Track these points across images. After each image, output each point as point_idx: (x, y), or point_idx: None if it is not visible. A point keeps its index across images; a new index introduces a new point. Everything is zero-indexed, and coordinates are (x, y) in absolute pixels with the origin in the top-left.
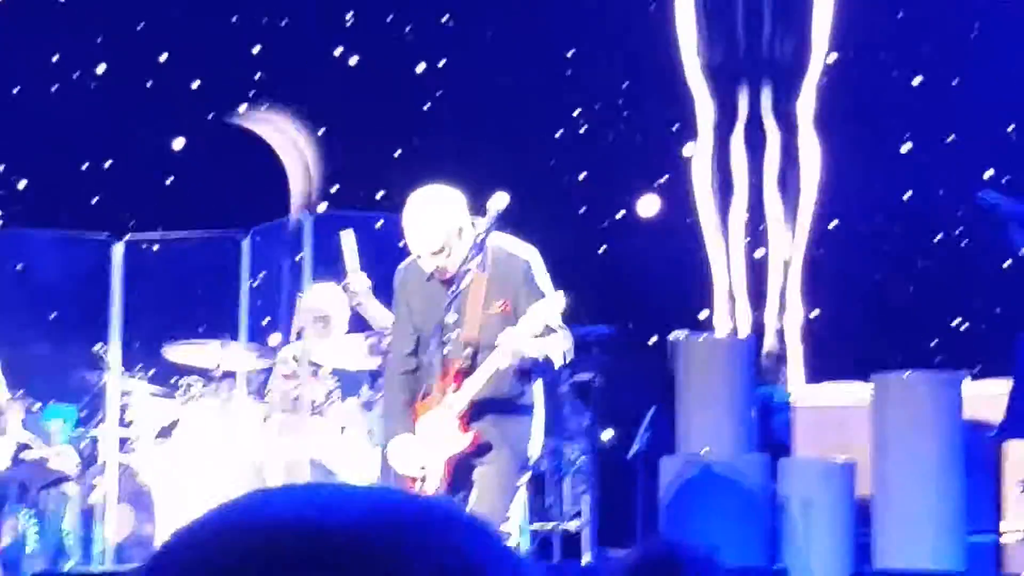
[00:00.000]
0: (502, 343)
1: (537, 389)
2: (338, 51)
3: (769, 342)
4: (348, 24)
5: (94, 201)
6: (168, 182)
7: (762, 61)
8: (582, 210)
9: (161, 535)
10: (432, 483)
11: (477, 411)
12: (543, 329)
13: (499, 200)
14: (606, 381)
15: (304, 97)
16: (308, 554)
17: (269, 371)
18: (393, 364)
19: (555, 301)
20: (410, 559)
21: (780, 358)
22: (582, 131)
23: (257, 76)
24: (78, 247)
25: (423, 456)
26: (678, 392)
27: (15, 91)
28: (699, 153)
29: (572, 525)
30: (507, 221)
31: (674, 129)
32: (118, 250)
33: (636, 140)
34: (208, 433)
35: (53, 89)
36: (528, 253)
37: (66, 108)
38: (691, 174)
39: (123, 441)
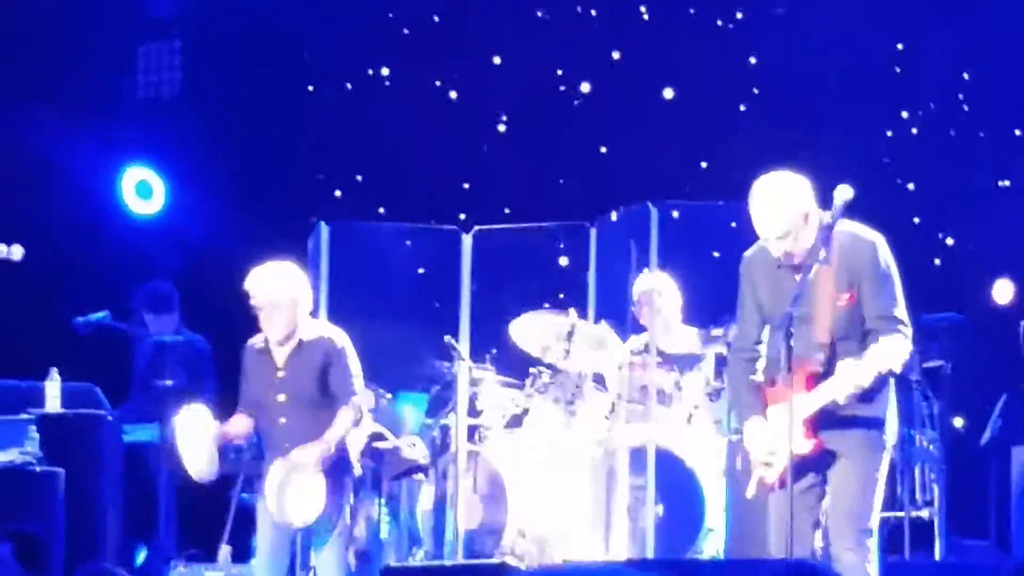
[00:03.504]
0: (841, 375)
1: (888, 396)
2: None
3: None
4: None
5: (443, 193)
6: (512, 173)
7: None
8: (916, 220)
9: (512, 523)
10: (774, 473)
11: (824, 419)
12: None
13: (844, 191)
14: (957, 368)
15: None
16: None
17: None
18: (738, 351)
19: (899, 346)
20: None
21: None
22: (914, 131)
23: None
24: (428, 239)
25: (773, 443)
26: None
27: (348, 87)
28: None
29: (923, 513)
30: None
31: (1017, 133)
32: (467, 241)
33: (978, 137)
34: (556, 422)
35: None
36: (875, 238)
37: (415, 105)
38: None
39: (473, 430)
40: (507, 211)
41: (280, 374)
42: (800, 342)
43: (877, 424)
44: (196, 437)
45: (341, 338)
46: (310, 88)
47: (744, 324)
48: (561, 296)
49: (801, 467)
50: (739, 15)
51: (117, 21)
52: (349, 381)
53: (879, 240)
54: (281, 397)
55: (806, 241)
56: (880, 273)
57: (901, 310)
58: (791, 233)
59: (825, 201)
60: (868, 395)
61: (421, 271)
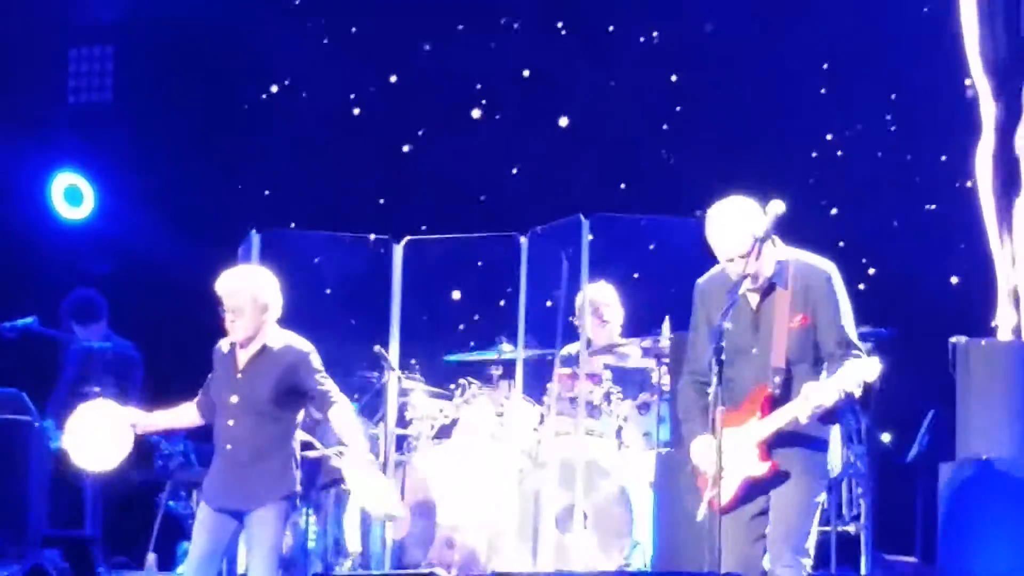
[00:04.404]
0: (805, 396)
1: (834, 423)
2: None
3: None
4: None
5: (375, 204)
6: (446, 185)
7: None
8: (841, 244)
9: (441, 534)
10: (724, 493)
11: (778, 441)
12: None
13: (776, 207)
14: (885, 384)
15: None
16: None
17: (547, 372)
18: (690, 374)
19: (868, 367)
20: None
21: None
22: (839, 153)
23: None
24: (358, 248)
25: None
26: (959, 396)
27: (272, 89)
28: (982, 152)
29: (850, 528)
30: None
31: (944, 159)
32: (398, 251)
33: (905, 160)
34: (485, 433)
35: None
36: (829, 268)
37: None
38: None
39: (402, 440)
40: (423, 227)
41: (238, 376)
42: (755, 366)
43: (822, 446)
44: (92, 429)
45: (308, 349)
46: (240, 97)
47: (697, 350)
48: (477, 318)
49: (752, 490)
50: (655, 33)
51: (49, 25)
52: (326, 384)
53: (832, 270)
54: (234, 399)
55: (765, 266)
56: (835, 302)
57: (855, 336)
58: (753, 252)
59: None
60: (821, 417)
61: (331, 289)
